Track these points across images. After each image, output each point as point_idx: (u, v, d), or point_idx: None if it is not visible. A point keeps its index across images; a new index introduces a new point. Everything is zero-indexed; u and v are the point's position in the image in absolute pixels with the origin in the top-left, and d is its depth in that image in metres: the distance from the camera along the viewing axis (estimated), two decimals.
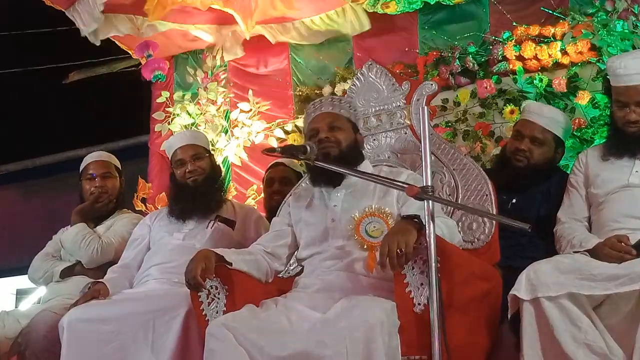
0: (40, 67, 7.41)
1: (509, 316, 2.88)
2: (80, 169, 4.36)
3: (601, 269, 2.80)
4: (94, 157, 4.38)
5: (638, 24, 4.40)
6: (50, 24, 6.06)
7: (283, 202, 3.61)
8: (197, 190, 3.87)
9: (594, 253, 3.01)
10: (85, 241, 4.04)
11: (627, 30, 4.40)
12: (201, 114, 5.76)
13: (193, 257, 2.99)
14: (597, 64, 4.47)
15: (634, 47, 4.34)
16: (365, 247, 3.02)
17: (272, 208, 4.39)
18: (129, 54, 5.95)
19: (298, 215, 3.29)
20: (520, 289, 2.78)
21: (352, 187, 3.19)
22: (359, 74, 3.78)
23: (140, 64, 6.02)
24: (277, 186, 4.62)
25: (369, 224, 3.05)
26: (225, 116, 5.76)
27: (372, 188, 3.14)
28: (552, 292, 2.73)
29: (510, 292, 2.83)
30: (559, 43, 4.58)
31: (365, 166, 3.26)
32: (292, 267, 3.47)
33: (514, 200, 3.66)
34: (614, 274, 2.75)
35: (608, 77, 3.38)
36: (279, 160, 4.78)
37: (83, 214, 4.20)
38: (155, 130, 5.95)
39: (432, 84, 3.60)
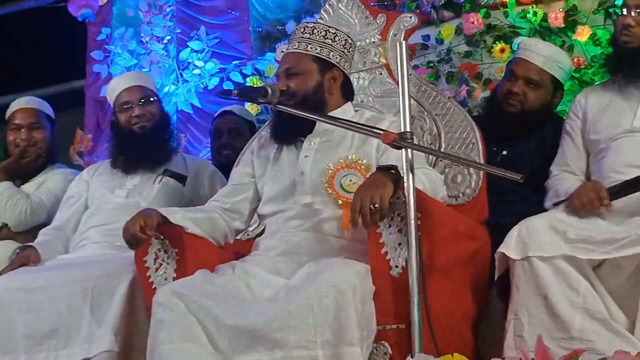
0: None
1: (495, 278, 2.91)
2: (6, 117, 4.32)
3: (600, 230, 2.82)
4: (21, 103, 4.35)
5: None
6: None
7: (245, 147, 3.57)
8: (145, 138, 3.85)
9: (571, 196, 3.01)
10: (11, 200, 4.03)
11: None
12: (145, 53, 5.70)
13: (131, 217, 2.99)
14: None
15: None
16: (340, 202, 2.98)
17: (220, 164, 4.38)
18: None
19: (263, 165, 3.26)
20: (510, 246, 2.80)
21: (328, 134, 3.16)
22: (327, 6, 3.75)
23: None
24: (226, 138, 4.65)
25: (345, 176, 3.01)
26: (173, 56, 5.71)
27: (351, 136, 3.12)
28: (546, 252, 2.75)
29: (497, 250, 2.84)
30: None
31: (345, 110, 3.21)
32: (251, 229, 3.47)
33: (504, 152, 3.69)
34: (613, 237, 2.76)
35: None
36: (227, 108, 4.77)
37: (8, 171, 4.18)
38: (94, 71, 5.88)
39: (411, 17, 3.59)
